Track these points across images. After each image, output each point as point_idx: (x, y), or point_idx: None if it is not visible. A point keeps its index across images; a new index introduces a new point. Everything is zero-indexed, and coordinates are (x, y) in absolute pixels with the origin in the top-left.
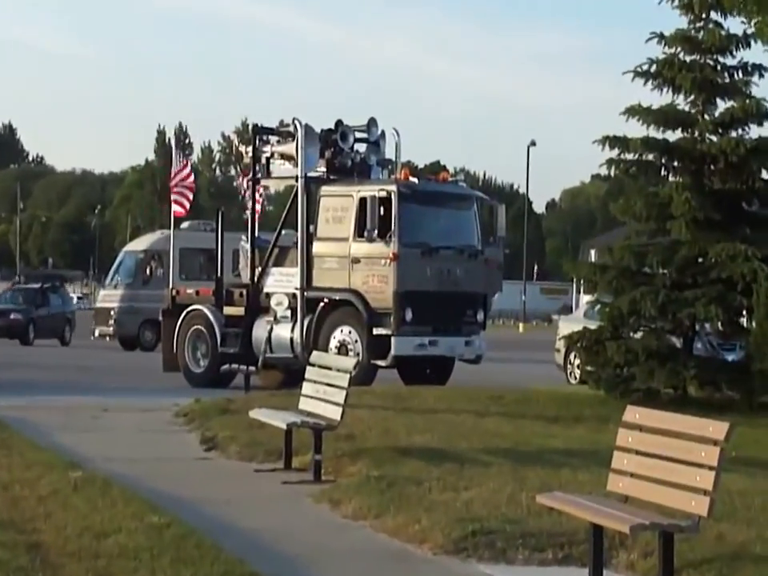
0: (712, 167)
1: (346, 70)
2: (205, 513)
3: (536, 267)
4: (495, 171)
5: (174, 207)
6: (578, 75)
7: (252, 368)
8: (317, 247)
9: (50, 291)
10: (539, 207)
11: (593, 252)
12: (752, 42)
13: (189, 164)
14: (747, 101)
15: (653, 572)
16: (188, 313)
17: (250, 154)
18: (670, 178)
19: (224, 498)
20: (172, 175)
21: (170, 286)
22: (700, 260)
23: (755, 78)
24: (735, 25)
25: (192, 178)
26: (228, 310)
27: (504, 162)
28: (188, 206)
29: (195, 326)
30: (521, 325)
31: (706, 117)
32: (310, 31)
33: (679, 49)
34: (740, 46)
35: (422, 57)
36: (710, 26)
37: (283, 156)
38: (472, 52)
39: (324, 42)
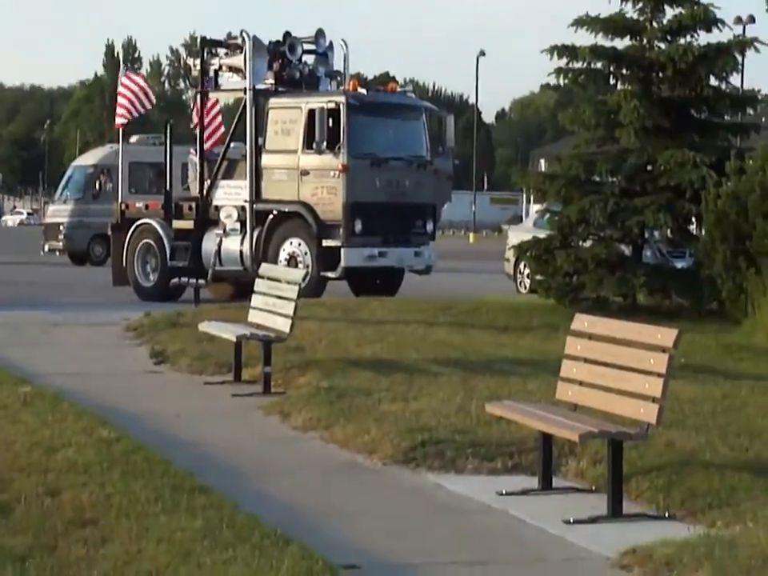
0: (660, 75)
1: None
2: (154, 426)
3: (486, 177)
4: (445, 82)
5: (119, 111)
6: None
7: (201, 281)
8: (266, 160)
9: None
10: (489, 117)
11: (542, 162)
12: None
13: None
14: (695, 7)
15: (602, 480)
16: (137, 227)
17: (198, 67)
18: (619, 86)
19: (174, 411)
20: (120, 84)
21: (119, 201)
22: (649, 168)
23: None
24: None
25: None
26: (177, 224)
27: (453, 73)
28: (134, 111)
29: (144, 240)
30: (471, 235)
31: (654, 24)
32: None
33: None
34: None
35: None
36: None
37: (231, 69)
38: None
39: None
